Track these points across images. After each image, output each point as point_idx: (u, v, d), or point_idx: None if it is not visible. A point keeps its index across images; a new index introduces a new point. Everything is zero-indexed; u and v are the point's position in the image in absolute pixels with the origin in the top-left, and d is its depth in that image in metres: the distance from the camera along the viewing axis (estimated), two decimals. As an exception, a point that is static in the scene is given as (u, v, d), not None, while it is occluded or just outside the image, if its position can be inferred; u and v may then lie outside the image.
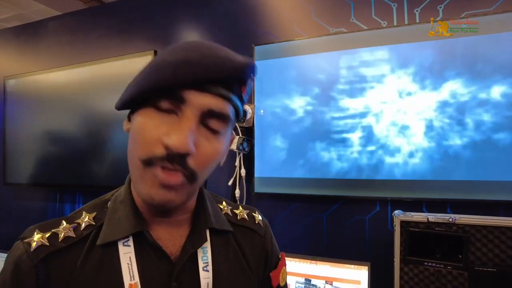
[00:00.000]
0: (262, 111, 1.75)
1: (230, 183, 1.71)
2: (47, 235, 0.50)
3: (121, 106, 0.51)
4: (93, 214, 0.54)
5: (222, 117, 0.48)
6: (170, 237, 0.54)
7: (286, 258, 1.38)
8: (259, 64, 1.77)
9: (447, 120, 1.46)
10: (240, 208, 0.66)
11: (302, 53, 1.71)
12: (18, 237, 0.51)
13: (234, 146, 1.60)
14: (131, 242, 0.51)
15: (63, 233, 0.50)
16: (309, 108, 1.67)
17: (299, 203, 1.74)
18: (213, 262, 0.54)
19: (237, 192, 1.70)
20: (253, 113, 1.73)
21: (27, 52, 2.55)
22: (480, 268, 1.14)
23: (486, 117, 1.41)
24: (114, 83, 2.07)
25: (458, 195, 1.45)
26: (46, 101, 2.28)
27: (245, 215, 0.65)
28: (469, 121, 1.43)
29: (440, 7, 1.54)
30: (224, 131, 0.50)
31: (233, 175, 1.73)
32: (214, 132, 0.48)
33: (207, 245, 0.55)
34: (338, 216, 1.66)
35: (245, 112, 1.61)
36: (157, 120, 0.46)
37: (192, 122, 0.45)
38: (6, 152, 2.42)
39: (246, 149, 1.65)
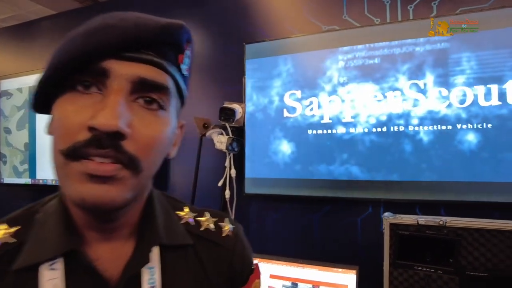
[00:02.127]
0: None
1: (220, 184, 1.68)
2: None
3: (34, 101, 0.42)
4: (15, 229, 0.42)
5: (158, 87, 0.40)
6: (112, 257, 0.44)
7: (273, 262, 1.35)
8: (250, 62, 1.74)
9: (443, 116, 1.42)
10: (207, 215, 0.56)
11: (295, 51, 1.68)
12: None
13: (223, 147, 1.57)
14: (60, 265, 0.40)
15: None
16: (301, 106, 1.64)
17: (290, 204, 1.70)
18: (163, 285, 0.45)
19: (227, 193, 1.67)
20: (243, 112, 1.70)
21: (21, 52, 2.55)
22: (472, 273, 1.09)
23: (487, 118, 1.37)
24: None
25: (452, 196, 1.41)
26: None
27: (211, 224, 0.54)
28: (467, 117, 1.39)
29: (435, 3, 1.49)
30: (165, 108, 0.42)
31: (223, 176, 1.70)
32: (152, 109, 0.40)
33: (155, 264, 0.45)
34: (330, 218, 1.63)
35: (234, 112, 1.58)
36: (79, 104, 0.38)
37: (120, 96, 0.37)
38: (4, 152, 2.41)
39: (236, 149, 1.62)
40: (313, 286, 1.25)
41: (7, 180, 2.39)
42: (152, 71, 0.39)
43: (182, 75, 0.45)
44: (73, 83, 0.38)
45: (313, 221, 1.65)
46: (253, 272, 0.56)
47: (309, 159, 1.61)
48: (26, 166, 2.31)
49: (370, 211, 1.56)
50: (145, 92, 0.39)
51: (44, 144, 2.24)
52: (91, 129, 0.36)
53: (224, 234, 0.54)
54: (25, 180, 2.30)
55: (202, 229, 0.53)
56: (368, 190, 1.52)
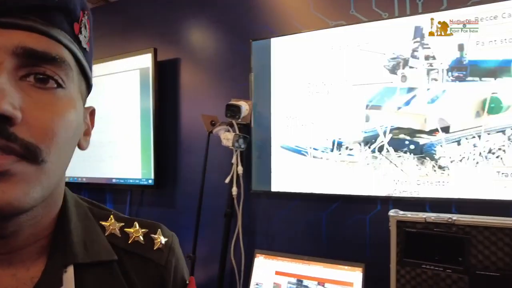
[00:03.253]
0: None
1: (227, 180, 1.68)
2: None
3: None
4: None
5: (51, 60, 0.32)
6: (13, 284, 0.35)
7: (278, 258, 1.34)
8: (257, 58, 1.73)
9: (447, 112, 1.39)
10: (136, 226, 0.48)
11: (302, 47, 1.66)
12: None
13: (229, 143, 1.58)
14: None
15: None
16: (310, 102, 1.62)
17: (298, 201, 1.69)
18: None
19: (234, 190, 1.67)
20: (250, 109, 1.70)
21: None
22: (482, 272, 1.06)
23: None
24: (116, 82, 2.08)
25: (464, 194, 1.37)
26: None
27: (141, 237, 0.47)
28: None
29: (445, -4, 1.45)
30: (65, 86, 0.34)
31: (230, 173, 1.70)
32: (48, 88, 0.32)
33: (70, 287, 0.37)
34: (338, 215, 1.61)
35: (239, 109, 1.58)
36: None
37: None
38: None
39: (242, 146, 1.62)
40: (318, 283, 1.24)
41: None
42: (40, 40, 0.31)
43: (83, 49, 0.37)
44: None
45: (321, 219, 1.64)
46: (187, 287, 0.51)
47: (316, 154, 1.60)
48: None
49: (379, 209, 1.53)
50: (35, 67, 0.31)
51: None
52: None
53: (155, 247, 0.48)
54: None
55: (129, 241, 0.46)
56: (377, 187, 1.50)
